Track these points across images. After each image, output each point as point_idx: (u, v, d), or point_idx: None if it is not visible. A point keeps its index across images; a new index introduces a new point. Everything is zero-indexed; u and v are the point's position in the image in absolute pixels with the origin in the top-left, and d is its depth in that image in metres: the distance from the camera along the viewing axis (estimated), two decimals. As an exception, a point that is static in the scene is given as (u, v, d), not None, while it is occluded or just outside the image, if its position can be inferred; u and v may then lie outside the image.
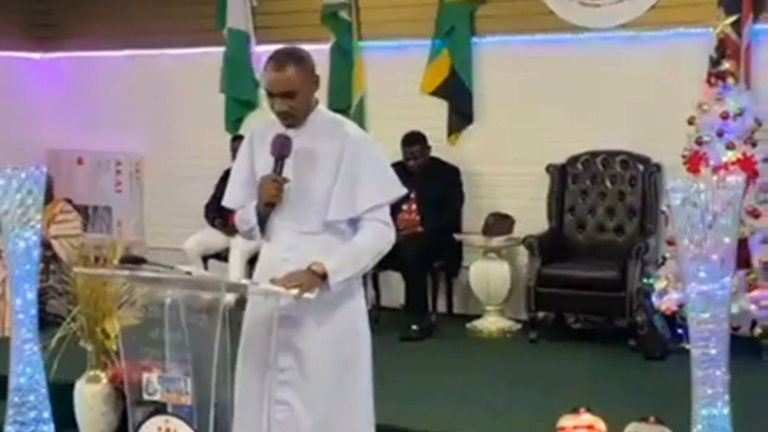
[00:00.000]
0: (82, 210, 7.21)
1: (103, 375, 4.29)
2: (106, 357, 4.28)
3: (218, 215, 6.41)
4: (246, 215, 3.02)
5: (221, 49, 6.97)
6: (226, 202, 3.12)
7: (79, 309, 4.25)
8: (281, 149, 2.89)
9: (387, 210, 2.99)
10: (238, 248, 6.14)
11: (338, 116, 3.12)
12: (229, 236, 6.31)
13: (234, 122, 7.03)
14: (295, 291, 2.76)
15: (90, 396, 4.29)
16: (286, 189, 2.90)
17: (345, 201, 2.90)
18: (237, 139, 6.26)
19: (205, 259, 6.54)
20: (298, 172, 2.91)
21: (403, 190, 3.05)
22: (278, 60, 2.88)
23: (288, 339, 2.91)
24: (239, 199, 3.06)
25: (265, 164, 2.94)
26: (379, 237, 2.94)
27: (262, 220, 2.95)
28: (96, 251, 4.42)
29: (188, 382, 2.80)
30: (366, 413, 3.02)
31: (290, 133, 2.94)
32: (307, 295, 2.78)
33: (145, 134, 7.41)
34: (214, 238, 6.47)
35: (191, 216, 6.76)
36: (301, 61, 2.90)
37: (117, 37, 7.35)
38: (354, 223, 2.94)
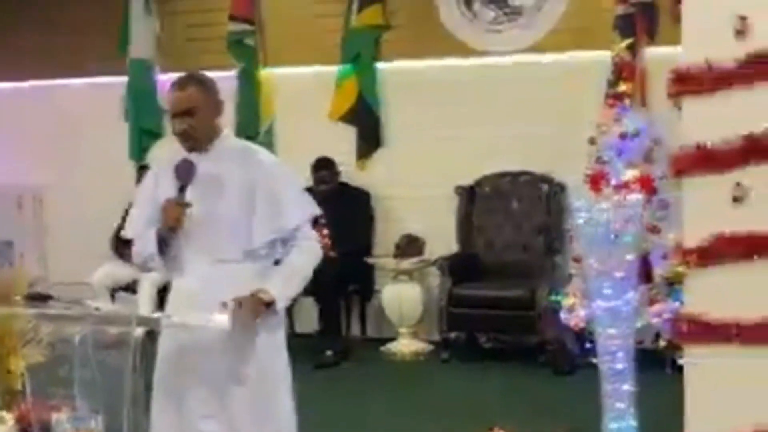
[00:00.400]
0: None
1: (8, 416, 4.15)
2: (11, 397, 4.14)
3: (126, 247, 6.26)
4: (142, 245, 2.97)
5: (125, 78, 6.86)
6: (128, 232, 3.06)
7: (-20, 348, 4.10)
8: (184, 174, 2.88)
9: (310, 226, 3.02)
10: (148, 280, 6.03)
11: (248, 144, 3.13)
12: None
13: (139, 152, 6.92)
14: (225, 323, 2.72)
15: (-5, 438, 4.14)
16: (189, 214, 2.87)
17: (271, 223, 2.90)
18: (143, 169, 6.15)
19: (113, 291, 6.39)
20: (204, 197, 2.88)
21: (319, 210, 3.08)
22: (180, 80, 2.93)
23: (209, 370, 2.87)
24: (141, 229, 3.00)
25: (167, 188, 2.92)
26: (312, 255, 2.97)
27: (163, 245, 2.91)
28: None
29: (99, 420, 2.74)
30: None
31: (194, 157, 2.91)
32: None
33: (47, 165, 7.20)
34: (123, 271, 6.31)
35: (97, 248, 6.59)
36: (202, 82, 2.94)
37: (17, 68, 7.15)
38: (274, 246, 2.94)
